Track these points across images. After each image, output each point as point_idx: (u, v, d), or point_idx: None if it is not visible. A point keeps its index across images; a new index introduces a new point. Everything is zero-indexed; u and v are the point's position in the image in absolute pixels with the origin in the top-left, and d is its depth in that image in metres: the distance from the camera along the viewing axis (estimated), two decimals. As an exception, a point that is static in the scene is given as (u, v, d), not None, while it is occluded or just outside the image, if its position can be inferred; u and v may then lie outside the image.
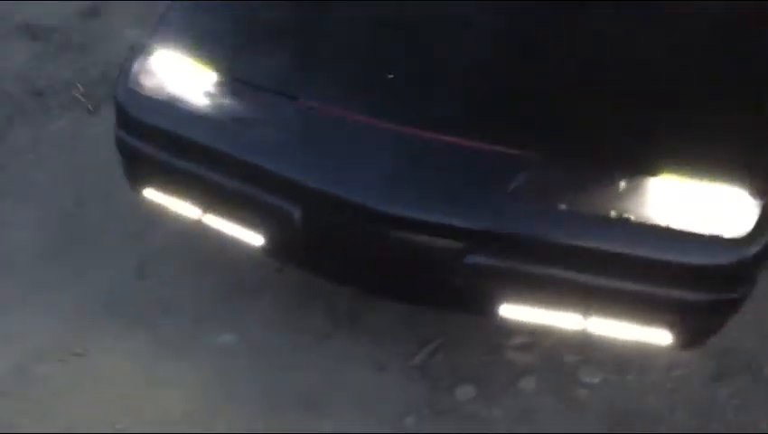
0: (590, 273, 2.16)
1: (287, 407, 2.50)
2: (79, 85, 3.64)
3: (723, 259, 2.10)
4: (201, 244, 2.90)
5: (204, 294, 2.81)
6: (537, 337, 2.68)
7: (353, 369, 2.61)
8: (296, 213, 2.29)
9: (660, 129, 2.17)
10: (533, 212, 2.16)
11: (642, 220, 2.11)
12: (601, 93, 2.26)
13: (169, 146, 2.45)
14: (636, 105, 2.22)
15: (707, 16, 2.45)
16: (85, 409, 2.48)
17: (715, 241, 2.09)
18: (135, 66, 2.52)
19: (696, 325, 2.21)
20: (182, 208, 2.52)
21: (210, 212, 2.47)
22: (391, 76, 2.35)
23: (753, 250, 2.09)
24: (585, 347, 2.64)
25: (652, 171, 2.13)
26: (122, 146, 2.57)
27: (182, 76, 2.48)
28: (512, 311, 2.27)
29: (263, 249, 2.43)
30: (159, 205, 2.58)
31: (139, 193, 2.60)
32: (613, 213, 2.12)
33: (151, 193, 2.57)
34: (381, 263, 2.29)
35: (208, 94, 2.44)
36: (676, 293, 2.14)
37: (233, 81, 2.44)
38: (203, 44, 2.53)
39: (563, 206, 2.14)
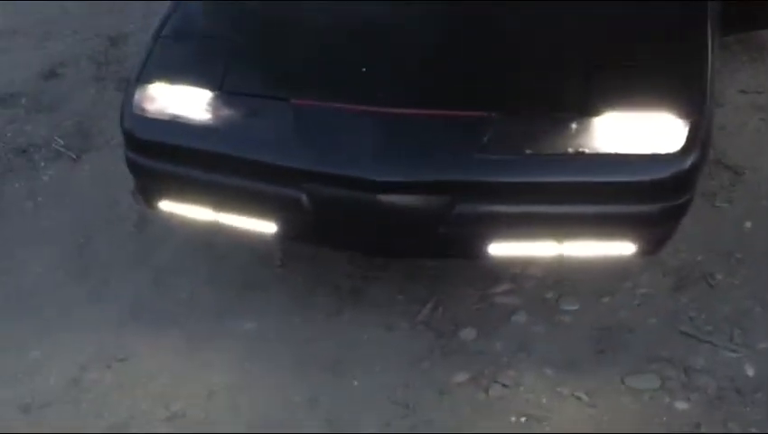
0: (559, 204, 2.64)
1: (316, 371, 2.91)
2: (58, 139, 4.00)
3: (665, 172, 2.60)
4: (206, 254, 3.33)
5: (219, 293, 3.20)
6: (518, 282, 3.14)
7: (366, 333, 3.03)
8: (303, 198, 2.72)
9: (597, 74, 2.68)
10: (504, 161, 2.64)
11: (594, 151, 2.60)
12: (540, 53, 2.78)
13: (178, 159, 2.85)
14: (575, 56, 2.73)
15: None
16: (139, 400, 2.85)
17: (656, 159, 2.60)
18: (137, 96, 2.92)
19: (653, 233, 2.71)
20: (197, 213, 2.93)
21: (223, 212, 2.89)
22: (364, 69, 2.82)
23: (689, 161, 2.61)
24: (561, 284, 3.12)
25: (596, 110, 2.63)
26: (134, 167, 2.96)
27: (179, 98, 2.88)
28: (499, 249, 2.74)
29: (276, 234, 2.85)
30: (175, 215, 2.99)
31: (155, 207, 3.00)
32: (569, 150, 2.61)
33: (166, 205, 2.97)
34: (382, 226, 2.73)
35: (206, 109, 2.86)
36: (632, 208, 2.64)
37: (226, 94, 2.86)
38: (193, 68, 2.95)
39: (528, 151, 2.63)
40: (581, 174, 2.62)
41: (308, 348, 2.99)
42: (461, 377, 2.85)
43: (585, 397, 2.76)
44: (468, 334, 3.00)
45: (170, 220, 3.35)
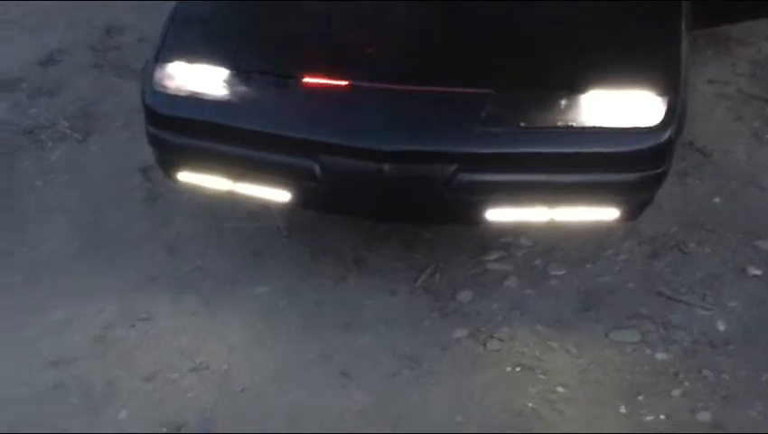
0: (550, 172, 3.00)
1: (326, 329, 3.23)
2: (63, 121, 4.27)
3: (645, 144, 2.97)
4: (215, 227, 3.63)
5: (230, 262, 3.50)
6: (510, 251, 3.49)
7: (371, 297, 3.35)
8: (316, 168, 3.04)
9: (585, 56, 3.05)
10: (502, 133, 2.98)
11: (582, 125, 2.96)
12: (534, 36, 3.13)
13: (198, 132, 3.15)
14: (565, 40, 3.09)
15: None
16: (165, 355, 3.14)
17: (637, 132, 2.96)
18: (157, 74, 3.22)
19: (634, 199, 3.07)
20: (215, 183, 3.23)
21: (240, 182, 3.19)
22: (371, 50, 3.15)
23: (666, 134, 2.97)
24: (549, 252, 3.47)
25: (583, 88, 2.99)
26: (155, 141, 3.26)
27: (197, 75, 3.18)
28: (497, 214, 3.08)
29: (290, 202, 3.16)
30: (190, 187, 3.29)
31: (174, 178, 3.29)
32: (559, 124, 2.97)
33: (185, 176, 3.26)
34: (391, 193, 3.05)
35: (223, 86, 3.16)
36: (616, 176, 3.00)
37: (242, 72, 3.16)
38: (209, 48, 3.25)
39: (523, 124, 2.98)
40: (570, 146, 2.97)
41: (317, 310, 3.30)
42: (460, 333, 3.19)
43: (573, 349, 3.12)
44: (465, 296, 3.34)
45: (178, 196, 3.68)
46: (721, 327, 3.17)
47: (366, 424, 2.94)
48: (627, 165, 3.00)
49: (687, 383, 2.98)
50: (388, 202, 3.10)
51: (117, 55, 4.64)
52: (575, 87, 3.00)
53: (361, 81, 3.08)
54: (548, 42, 3.12)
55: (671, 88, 3.03)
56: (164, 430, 2.92)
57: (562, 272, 3.41)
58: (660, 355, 3.08)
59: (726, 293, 3.28)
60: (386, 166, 2.98)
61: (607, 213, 3.09)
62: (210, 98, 3.14)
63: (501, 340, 3.16)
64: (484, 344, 3.15)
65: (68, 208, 3.80)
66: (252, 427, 2.95)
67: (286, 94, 3.12)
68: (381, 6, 3.24)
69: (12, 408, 3.02)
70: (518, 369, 3.07)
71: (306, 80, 3.09)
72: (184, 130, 3.18)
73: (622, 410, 2.92)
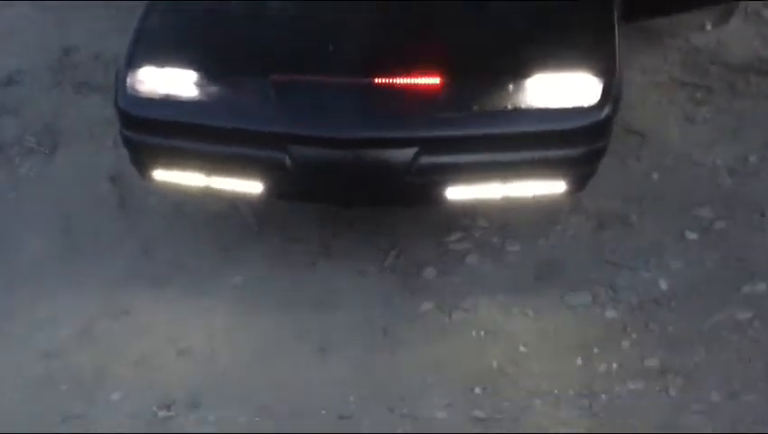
0: (502, 151, 3.36)
1: (303, 309, 3.54)
2: (29, 137, 4.50)
3: (585, 121, 3.34)
4: (187, 225, 3.91)
5: (205, 255, 3.79)
6: (469, 231, 3.84)
7: (342, 279, 3.67)
8: (286, 159, 3.35)
9: (528, 44, 3.43)
10: (457, 117, 3.34)
11: (528, 106, 3.33)
12: (481, 28, 3.50)
13: (171, 132, 3.45)
14: (509, 30, 3.48)
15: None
16: (149, 342, 3.42)
17: (578, 111, 3.34)
18: (129, 79, 3.50)
19: (578, 172, 3.44)
20: (189, 179, 3.51)
21: (213, 176, 3.48)
22: (332, 47, 3.48)
23: (604, 112, 3.35)
24: (504, 230, 3.82)
25: (529, 72, 3.36)
26: (129, 143, 3.54)
27: (168, 79, 3.48)
28: (456, 193, 3.42)
29: (263, 193, 3.46)
30: (168, 183, 3.56)
31: (149, 177, 3.57)
32: (508, 106, 3.33)
33: (160, 175, 3.55)
34: (358, 179, 3.37)
35: (193, 86, 3.46)
36: (560, 152, 3.37)
37: (212, 73, 3.47)
38: (178, 51, 3.55)
39: (476, 108, 3.33)
40: (519, 126, 3.34)
41: (292, 294, 3.61)
42: (427, 306, 3.53)
43: (531, 313, 3.48)
44: (429, 273, 3.67)
45: (148, 199, 3.95)
46: (664, 286, 3.55)
47: (345, 392, 3.24)
48: (570, 142, 3.37)
49: (635, 336, 3.35)
50: (354, 188, 3.42)
51: (76, 73, 4.88)
52: (520, 72, 3.37)
53: (325, 76, 3.41)
54: (495, 33, 3.50)
55: (607, 70, 3.41)
56: (155, 408, 3.19)
57: (517, 247, 3.77)
58: (610, 313, 3.45)
59: (668, 256, 3.66)
60: (351, 154, 3.31)
61: (555, 186, 3.45)
62: (181, 98, 3.44)
63: (465, 310, 3.50)
64: (450, 315, 3.48)
65: (42, 217, 4.03)
66: (237, 402, 3.23)
67: (255, 91, 3.44)
68: (341, 6, 3.58)
69: (7, 395, 3.27)
70: (482, 333, 3.40)
71: (273, 77, 3.42)
72: (158, 131, 3.47)
73: (579, 362, 3.28)
